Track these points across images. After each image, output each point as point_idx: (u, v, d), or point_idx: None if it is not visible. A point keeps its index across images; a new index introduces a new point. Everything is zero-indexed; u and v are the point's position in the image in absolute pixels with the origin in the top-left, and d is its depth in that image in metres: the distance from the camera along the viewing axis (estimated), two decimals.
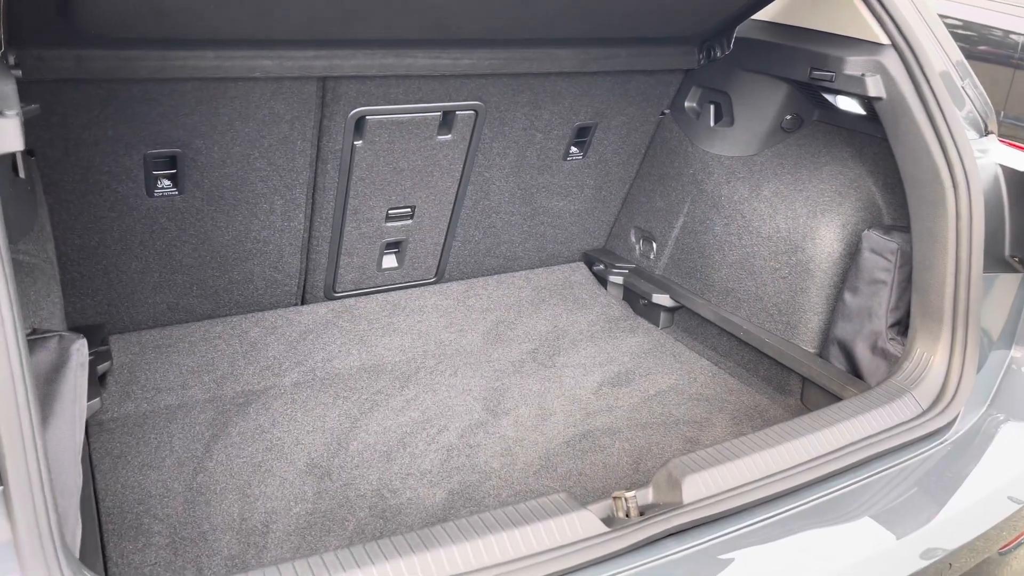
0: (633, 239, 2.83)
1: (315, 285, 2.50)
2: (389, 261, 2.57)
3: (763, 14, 2.27)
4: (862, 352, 2.13)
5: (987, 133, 1.99)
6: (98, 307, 2.20)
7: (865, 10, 1.93)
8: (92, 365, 2.06)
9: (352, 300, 2.57)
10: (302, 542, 1.72)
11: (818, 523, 1.53)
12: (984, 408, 1.84)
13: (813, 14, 2.09)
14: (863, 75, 1.92)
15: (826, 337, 2.24)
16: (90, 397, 1.92)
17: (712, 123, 2.50)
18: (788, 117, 2.33)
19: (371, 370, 2.36)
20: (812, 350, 2.27)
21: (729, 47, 2.35)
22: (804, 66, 2.10)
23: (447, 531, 1.32)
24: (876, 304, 2.09)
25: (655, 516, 1.42)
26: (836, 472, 1.60)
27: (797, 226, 2.26)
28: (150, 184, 2.02)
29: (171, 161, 2.02)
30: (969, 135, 1.96)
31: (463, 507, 1.85)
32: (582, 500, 1.49)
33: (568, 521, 1.37)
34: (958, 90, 1.97)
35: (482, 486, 1.92)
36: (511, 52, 2.16)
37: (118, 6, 1.56)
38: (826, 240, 2.21)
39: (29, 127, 1.78)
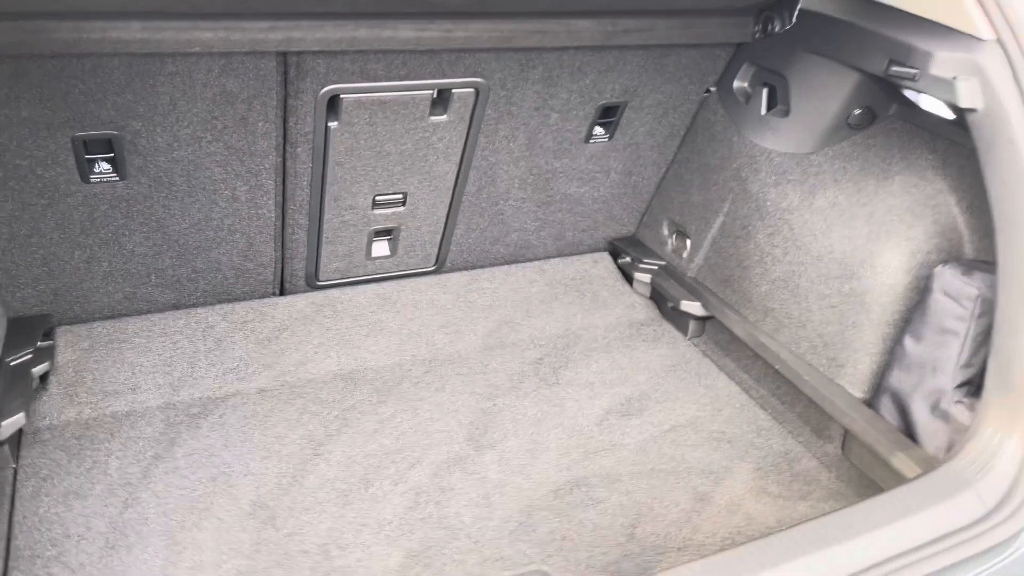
0: (666, 232, 2.46)
1: (295, 274, 2.22)
2: (380, 249, 2.26)
3: None
4: (919, 410, 1.76)
5: None
6: (42, 296, 1.96)
7: None
8: (25, 368, 1.85)
9: (337, 291, 2.29)
10: None
11: None
12: None
13: None
14: (955, 78, 1.49)
15: (878, 384, 1.87)
16: (14, 410, 1.72)
17: (764, 110, 2.08)
18: (857, 111, 1.90)
19: (348, 378, 2.09)
20: (859, 395, 1.91)
21: (791, 20, 1.91)
22: (881, 56, 1.67)
23: None
24: (944, 357, 1.71)
25: None
26: None
27: (855, 248, 1.87)
28: (83, 169, 1.74)
29: (108, 145, 1.72)
30: None
31: (414, 572, 1.59)
32: None
33: None
34: None
35: (446, 547, 1.65)
36: (517, 23, 1.78)
37: None
38: (889, 269, 1.82)
39: None
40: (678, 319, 2.39)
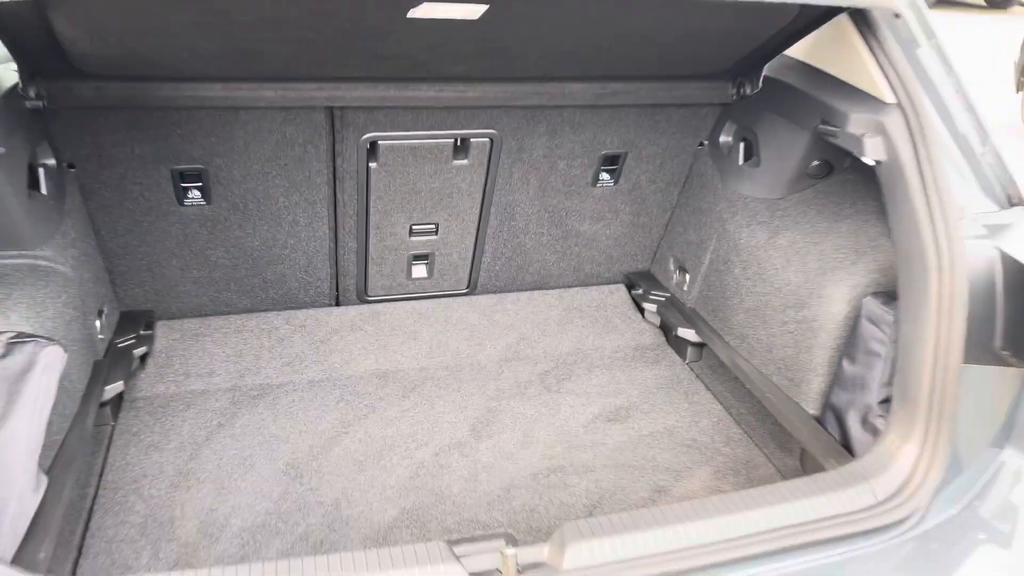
0: (672, 267, 2.77)
1: (348, 289, 2.67)
2: (419, 271, 2.68)
3: (798, 52, 2.14)
4: (853, 424, 2.00)
5: (1014, 204, 1.79)
6: (147, 296, 2.48)
7: (873, 65, 1.78)
8: (129, 349, 2.36)
9: (382, 306, 2.71)
10: (250, 540, 1.89)
11: None
12: (957, 510, 1.69)
13: (833, 59, 1.95)
14: (863, 135, 1.78)
15: (825, 402, 2.11)
16: (113, 378, 2.21)
17: (741, 161, 2.39)
18: (815, 163, 2.18)
19: (381, 376, 2.50)
20: (812, 412, 2.15)
21: (758, 85, 2.23)
22: (815, 117, 1.97)
23: (316, 564, 1.42)
24: (870, 376, 1.95)
25: None
26: (744, 558, 1.54)
27: (807, 281, 2.14)
28: (179, 195, 2.24)
29: (199, 175, 2.23)
30: (988, 207, 1.78)
31: (407, 528, 1.95)
32: (513, 541, 1.52)
33: (434, 571, 1.43)
34: (975, 157, 1.78)
35: (433, 509, 2.01)
36: (518, 86, 2.18)
37: (102, 53, 1.75)
38: (833, 300, 2.07)
39: (69, 143, 2.04)
40: (678, 345, 2.68)
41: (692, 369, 2.63)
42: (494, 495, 2.07)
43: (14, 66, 1.82)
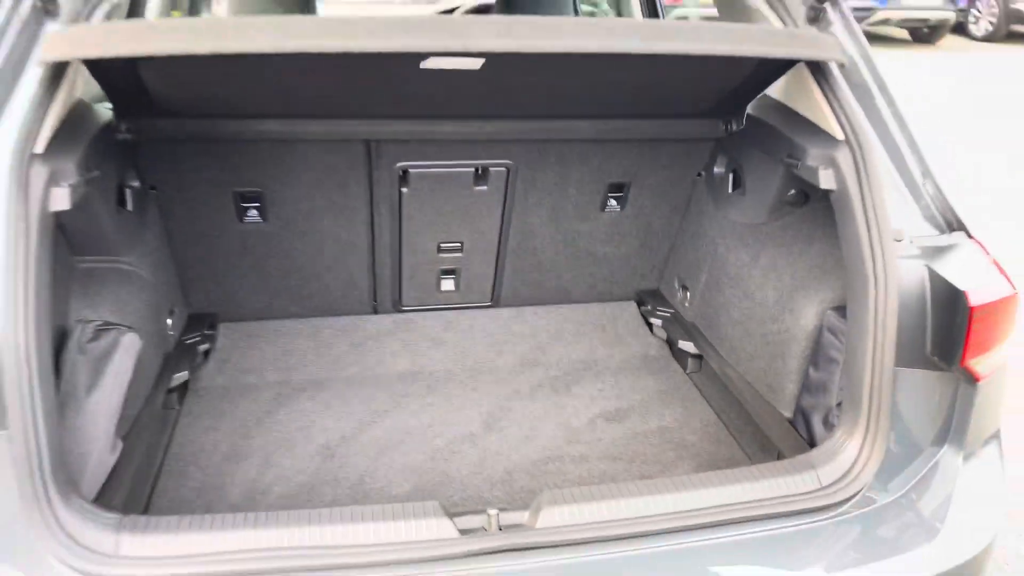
0: (676, 285, 3.04)
1: (384, 299, 3.02)
2: (447, 285, 3.01)
3: (777, 93, 2.40)
4: (817, 424, 2.23)
5: (954, 229, 2.01)
6: (212, 300, 2.87)
7: (827, 106, 2.04)
8: (195, 345, 2.75)
9: (414, 315, 3.05)
10: (288, 504, 2.23)
11: (655, 572, 1.75)
12: (893, 497, 1.91)
13: (798, 100, 2.21)
14: (818, 167, 2.04)
15: (797, 405, 2.35)
16: (180, 368, 2.60)
17: (730, 190, 2.66)
18: (792, 192, 2.43)
19: (410, 375, 2.83)
20: (787, 415, 2.39)
21: (743, 123, 2.51)
22: (783, 150, 2.23)
23: (331, 514, 1.74)
24: (830, 381, 2.18)
25: (505, 533, 1.74)
26: (695, 527, 1.79)
27: (782, 297, 2.39)
28: (240, 213, 2.63)
29: (256, 197, 2.61)
30: (929, 231, 2.01)
31: (418, 500, 2.26)
32: (503, 509, 1.80)
33: (427, 525, 1.73)
34: (918, 188, 2.02)
35: (442, 487, 2.32)
36: (529, 123, 2.51)
37: (179, 98, 2.15)
38: (804, 314, 2.31)
39: (151, 169, 2.45)
40: (680, 357, 2.94)
41: (691, 378, 2.88)
42: (497, 477, 2.36)
43: (109, 105, 2.23)
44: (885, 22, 15.22)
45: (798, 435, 2.31)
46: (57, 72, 1.70)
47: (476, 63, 1.90)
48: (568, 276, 3.07)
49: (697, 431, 2.59)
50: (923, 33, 15.90)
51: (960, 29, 16.34)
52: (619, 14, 4.32)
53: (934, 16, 15.22)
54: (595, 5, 5.20)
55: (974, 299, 1.79)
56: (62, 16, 1.77)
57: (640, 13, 3.86)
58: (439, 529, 1.72)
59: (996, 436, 2.08)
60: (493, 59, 1.88)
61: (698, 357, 2.89)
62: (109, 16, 1.85)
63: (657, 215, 2.92)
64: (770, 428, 2.40)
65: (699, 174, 2.82)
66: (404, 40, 1.59)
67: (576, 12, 3.71)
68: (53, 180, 1.63)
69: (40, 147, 1.62)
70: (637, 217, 2.92)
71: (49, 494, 1.57)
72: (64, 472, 1.63)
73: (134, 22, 1.85)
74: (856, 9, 14.87)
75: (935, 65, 13.72)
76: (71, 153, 1.75)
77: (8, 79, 1.68)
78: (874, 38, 15.91)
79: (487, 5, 4.43)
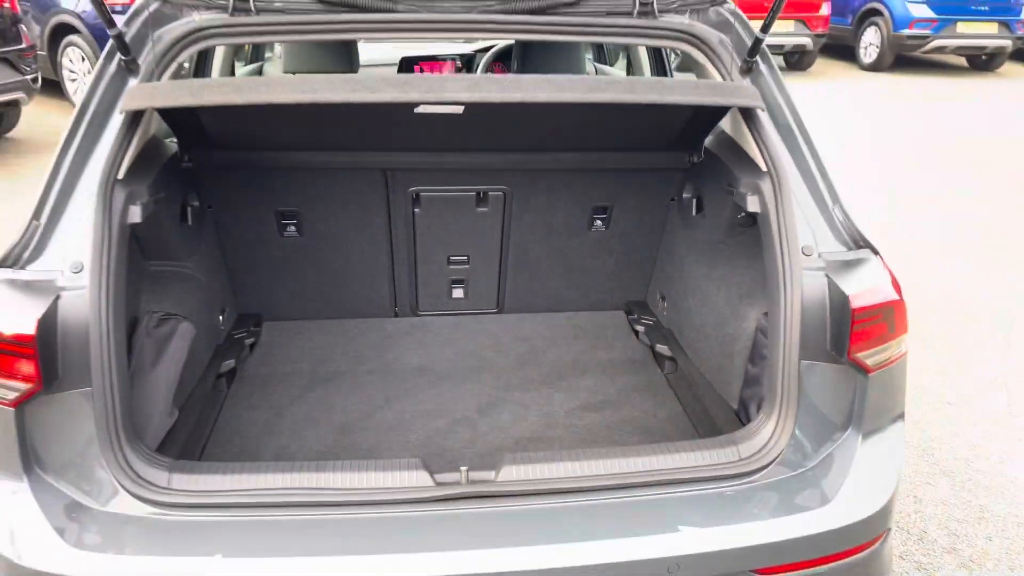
0: (658, 296, 3.45)
1: (403, 304, 3.50)
2: (457, 292, 3.48)
3: (728, 129, 2.81)
4: (753, 411, 2.61)
5: (860, 247, 2.38)
6: (259, 302, 3.40)
7: (753, 143, 2.45)
8: (242, 339, 3.27)
9: (429, 318, 3.53)
10: (308, 466, 2.71)
11: (589, 519, 2.15)
12: (799, 471, 2.28)
13: (739, 136, 2.62)
14: (746, 193, 2.44)
15: (740, 397, 2.73)
16: (229, 358, 3.12)
17: (694, 212, 3.07)
18: (741, 215, 2.83)
19: (421, 370, 3.30)
20: (734, 406, 2.77)
21: (701, 155, 2.92)
22: (726, 179, 2.64)
23: (330, 467, 2.19)
24: (762, 375, 2.56)
25: (470, 485, 2.17)
26: (630, 485, 2.19)
27: (730, 304, 2.78)
28: (280, 229, 3.15)
29: (294, 215, 3.13)
30: (837, 248, 2.38)
31: None
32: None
33: (406, 475, 2.18)
34: (828, 212, 2.40)
35: (437, 459, 2.76)
36: (520, 155, 2.97)
37: (230, 134, 2.68)
38: (746, 318, 2.71)
39: (208, 191, 2.99)
40: (659, 359, 3.34)
41: (666, 378, 3.28)
42: (484, 452, 2.80)
43: (175, 140, 2.78)
44: (941, 50, 15.23)
45: (740, 423, 2.69)
46: (136, 117, 2.23)
47: (458, 108, 2.38)
48: (562, 287, 3.51)
49: (662, 420, 2.98)
50: (981, 60, 15.85)
51: (1021, 56, 16.21)
52: (630, 70, 4.76)
53: (991, 44, 15.17)
54: (610, 63, 5.65)
55: (855, 302, 2.17)
56: (141, 73, 2.31)
57: (649, 71, 4.28)
58: (419, 479, 2.17)
59: (900, 418, 2.42)
60: (471, 106, 2.35)
61: (672, 359, 3.28)
62: (176, 74, 2.39)
63: (638, 234, 3.35)
64: (719, 417, 2.78)
65: (672, 199, 3.24)
66: (394, 93, 2.07)
67: (584, 66, 4.17)
68: (130, 199, 2.16)
69: (121, 174, 2.15)
70: (621, 236, 3.35)
71: (119, 438, 2.06)
72: (131, 425, 2.14)
73: (192, 81, 2.38)
74: (911, 37, 15.00)
75: (988, 92, 13.74)
76: (144, 179, 2.29)
77: (99, 121, 2.22)
78: (930, 65, 15.98)
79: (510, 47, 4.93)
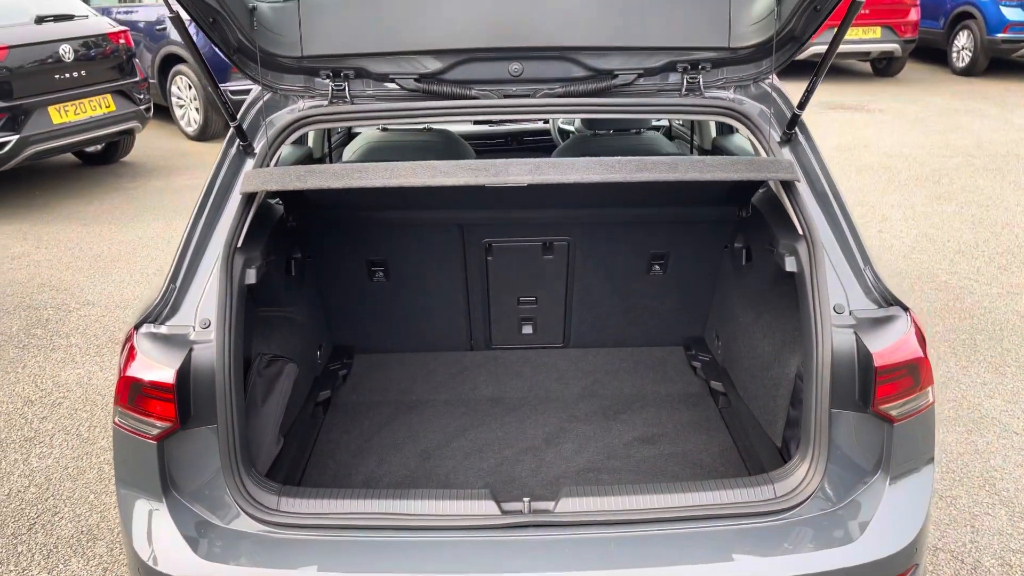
0: (714, 335, 3.70)
1: (478, 339, 3.86)
2: (527, 329, 3.81)
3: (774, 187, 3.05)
4: (794, 452, 2.84)
5: (890, 304, 2.59)
6: (352, 336, 3.81)
7: (791, 209, 2.69)
8: (336, 371, 3.69)
9: (501, 352, 3.88)
10: (393, 493, 3.08)
11: (637, 548, 2.43)
12: (829, 509, 2.51)
13: (782, 196, 2.86)
14: (784, 255, 2.69)
15: (783, 436, 2.97)
16: (325, 388, 3.53)
17: (744, 262, 3.31)
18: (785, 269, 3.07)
19: (494, 400, 3.64)
20: (778, 444, 3.01)
21: (749, 211, 3.17)
22: (767, 238, 2.89)
23: (411, 495, 2.54)
24: (802, 418, 2.80)
25: (532, 514, 2.49)
26: (675, 519, 2.47)
27: (773, 349, 3.02)
28: (371, 275, 3.55)
29: (382, 263, 3.52)
30: (868, 304, 2.60)
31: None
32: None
33: (476, 504, 2.51)
34: (860, 272, 2.61)
35: (506, 486, 3.10)
36: (582, 210, 3.29)
37: (326, 199, 3.08)
38: (788, 365, 2.94)
39: (309, 245, 3.41)
40: (714, 395, 3.60)
41: (720, 413, 3.53)
42: (547, 481, 3.12)
43: (280, 203, 3.20)
44: None
45: (782, 460, 2.93)
46: (251, 196, 2.65)
47: (523, 183, 2.71)
48: (623, 325, 3.80)
49: (714, 455, 3.24)
50: None
51: None
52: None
53: None
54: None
55: (879, 360, 2.40)
56: (257, 156, 2.71)
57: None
58: (488, 508, 2.50)
59: (929, 461, 2.61)
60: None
61: (726, 395, 3.53)
62: (281, 157, 2.80)
63: (693, 278, 3.61)
64: (764, 454, 3.03)
65: (726, 247, 3.50)
66: (467, 178, 2.42)
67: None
68: (247, 264, 2.57)
69: (239, 243, 2.56)
70: (679, 279, 3.62)
71: (239, 467, 2.47)
72: (247, 455, 2.55)
73: (299, 168, 2.75)
74: (1005, 40, 14.56)
75: None
76: (258, 244, 2.70)
77: (221, 198, 2.64)
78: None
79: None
